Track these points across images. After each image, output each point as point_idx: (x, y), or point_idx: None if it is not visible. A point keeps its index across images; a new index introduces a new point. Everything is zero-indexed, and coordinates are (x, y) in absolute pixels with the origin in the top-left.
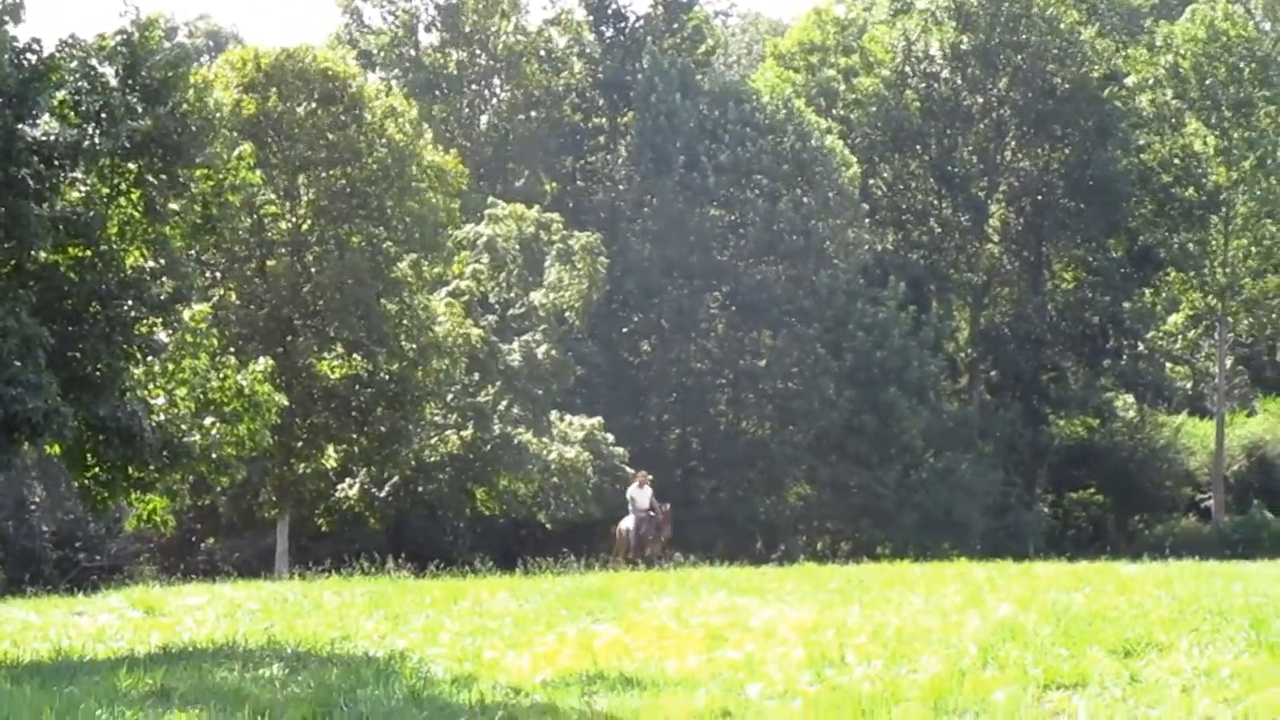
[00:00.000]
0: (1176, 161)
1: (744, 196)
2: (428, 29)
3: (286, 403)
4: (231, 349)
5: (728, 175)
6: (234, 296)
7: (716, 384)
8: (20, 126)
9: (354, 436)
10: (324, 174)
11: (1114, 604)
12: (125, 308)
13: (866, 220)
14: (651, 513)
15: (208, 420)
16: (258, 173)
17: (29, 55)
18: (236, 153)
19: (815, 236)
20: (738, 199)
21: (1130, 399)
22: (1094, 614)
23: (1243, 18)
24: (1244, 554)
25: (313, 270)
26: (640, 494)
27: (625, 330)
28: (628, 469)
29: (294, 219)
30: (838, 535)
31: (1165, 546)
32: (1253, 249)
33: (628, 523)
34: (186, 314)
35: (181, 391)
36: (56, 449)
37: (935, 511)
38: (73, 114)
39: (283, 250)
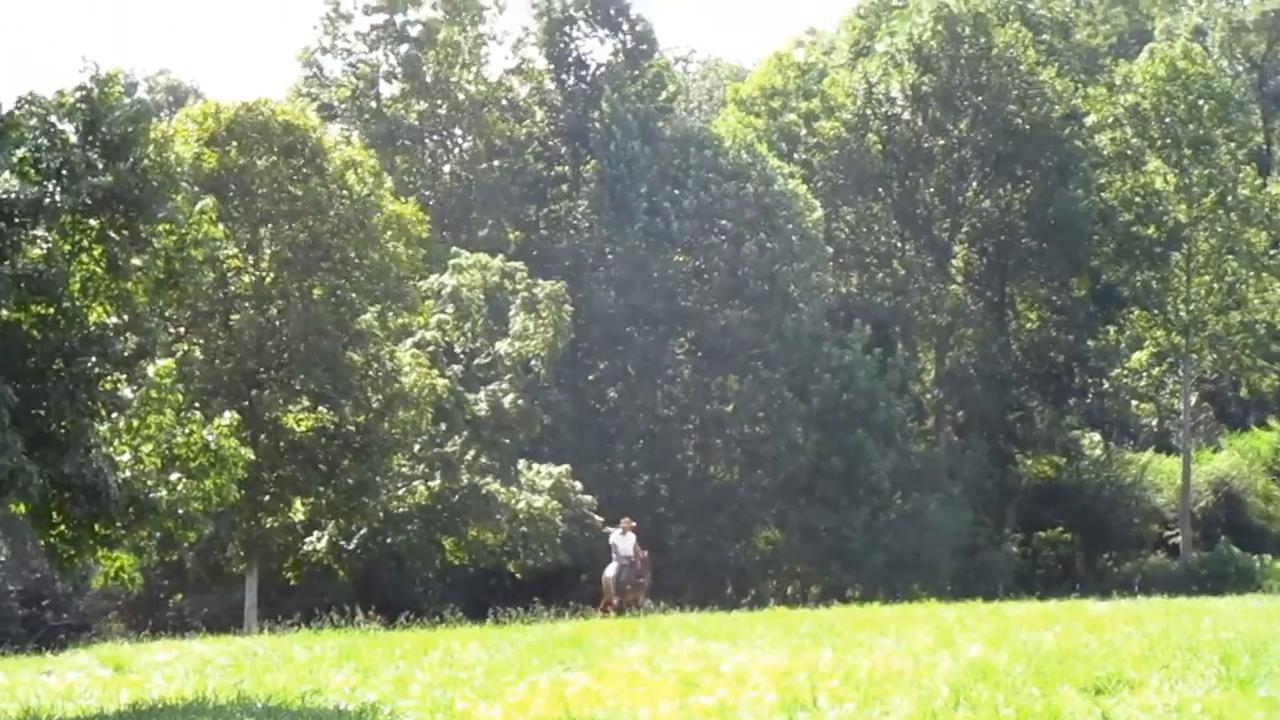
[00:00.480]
0: (1137, 200)
1: (708, 242)
2: (388, 80)
3: (253, 457)
4: (196, 404)
5: (691, 221)
6: (198, 351)
7: (684, 429)
8: None
9: (321, 489)
10: (286, 226)
11: (1084, 642)
12: (89, 364)
13: (830, 263)
14: (632, 559)
15: (174, 476)
16: (220, 227)
17: None
18: (199, 207)
19: (780, 280)
20: (701, 244)
21: (1096, 437)
22: (1065, 652)
23: (1201, 56)
24: (1212, 590)
25: (277, 323)
26: (623, 541)
27: (591, 378)
28: (596, 516)
29: (257, 272)
30: (807, 578)
31: (1134, 584)
32: (1215, 285)
33: (611, 570)
34: (151, 370)
35: (147, 448)
36: (22, 507)
37: (904, 553)
38: (33, 171)
39: (246, 304)
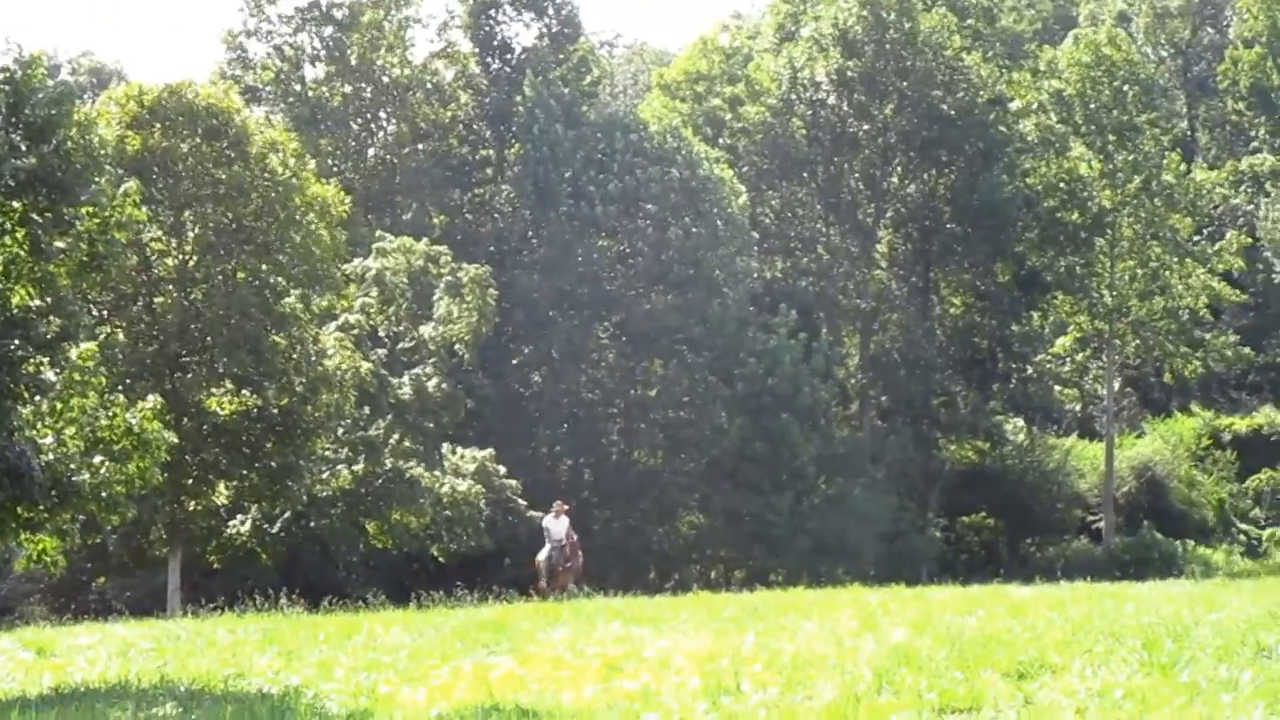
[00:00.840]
0: (1062, 185)
1: (633, 226)
2: (313, 63)
3: (176, 440)
4: (120, 387)
5: (616, 205)
6: (121, 334)
7: (608, 414)
8: None
9: (244, 473)
10: (209, 209)
11: (1007, 627)
12: (12, 347)
13: (755, 248)
14: (563, 543)
15: (97, 459)
16: (144, 209)
17: None
18: (122, 190)
19: (705, 265)
20: (626, 229)
21: (1020, 422)
22: (988, 637)
23: (1125, 41)
24: (1135, 575)
25: (200, 306)
26: (555, 524)
27: (516, 362)
28: (520, 500)
29: (181, 255)
30: (731, 563)
31: (1057, 569)
32: (1139, 271)
33: (542, 553)
34: (74, 352)
35: (70, 431)
36: None
37: (828, 538)
38: None
39: (169, 287)
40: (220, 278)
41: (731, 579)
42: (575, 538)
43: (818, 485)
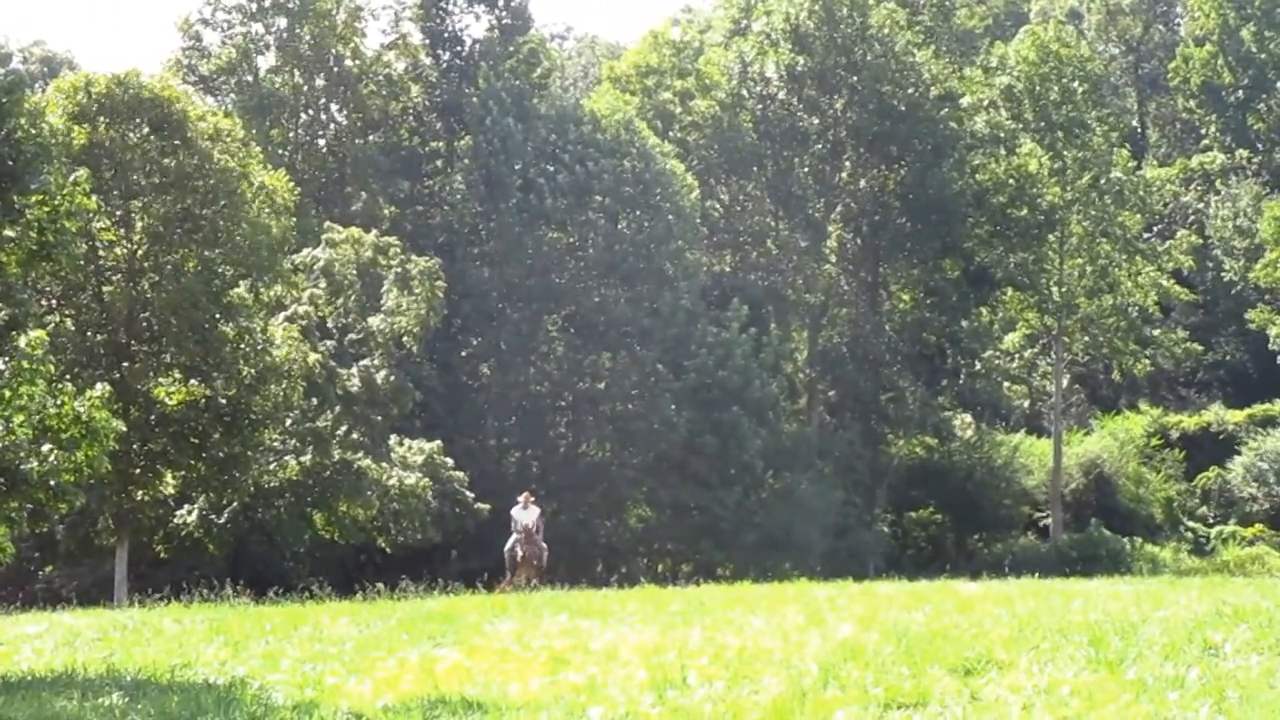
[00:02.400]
0: (1011, 182)
1: (584, 218)
2: (264, 52)
3: (124, 429)
4: (68, 376)
5: (567, 198)
6: (70, 323)
7: (556, 406)
8: None
9: (192, 463)
10: (157, 199)
11: (954, 623)
12: None
13: (704, 242)
14: (529, 533)
15: (45, 447)
16: (93, 198)
17: None
18: (72, 178)
19: (656, 258)
20: (576, 221)
21: (968, 418)
22: (934, 633)
23: (1074, 38)
24: (1082, 571)
25: (148, 295)
26: (522, 514)
27: (464, 354)
28: (467, 492)
29: (129, 244)
30: (678, 557)
31: (1004, 565)
32: (1087, 268)
33: (508, 544)
34: (22, 341)
35: (18, 419)
36: None
37: (775, 532)
38: None
39: (118, 276)
40: (169, 267)
41: (679, 572)
42: (541, 528)
43: (765, 480)
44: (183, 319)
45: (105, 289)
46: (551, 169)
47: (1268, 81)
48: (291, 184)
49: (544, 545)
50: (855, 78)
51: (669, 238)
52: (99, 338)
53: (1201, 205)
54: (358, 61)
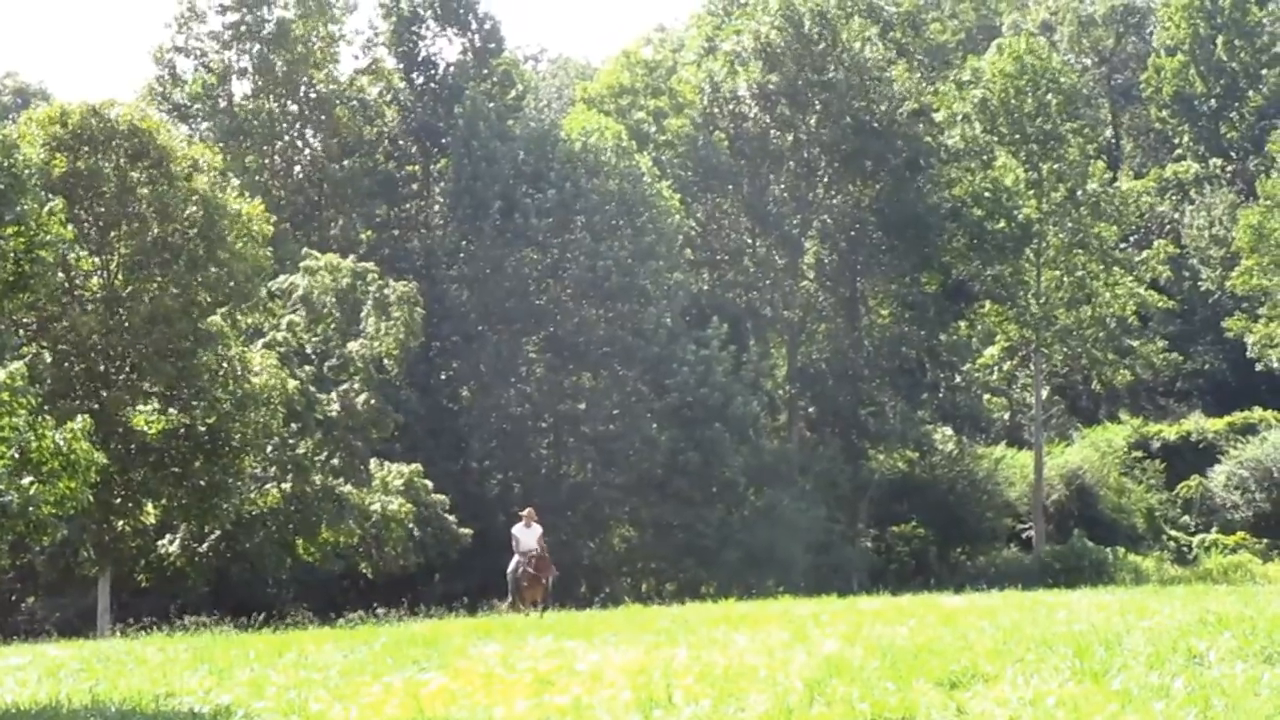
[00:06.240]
0: (987, 195)
1: (567, 239)
2: (240, 78)
3: (105, 461)
4: (46, 406)
5: (549, 218)
6: (47, 354)
7: (537, 428)
8: None
9: (173, 491)
10: (135, 228)
11: (939, 636)
12: None
13: (683, 260)
14: (533, 554)
15: (26, 479)
16: (69, 228)
17: None
18: (48, 208)
19: (638, 278)
20: (558, 242)
21: (949, 431)
22: (919, 647)
23: (1047, 50)
24: (1066, 583)
25: (126, 324)
26: (525, 534)
27: (444, 376)
28: (449, 516)
29: (106, 274)
30: (662, 576)
31: (987, 577)
32: (1065, 280)
33: (510, 566)
34: (2, 373)
35: None
36: None
37: (758, 549)
38: None
39: (96, 305)
40: (146, 298)
41: (662, 591)
42: (544, 547)
43: (747, 497)
44: (160, 347)
45: (83, 318)
46: (531, 190)
47: (1239, 90)
48: (268, 214)
49: (551, 564)
50: (827, 94)
51: (651, 257)
52: (77, 368)
53: (1177, 215)
54: (332, 87)
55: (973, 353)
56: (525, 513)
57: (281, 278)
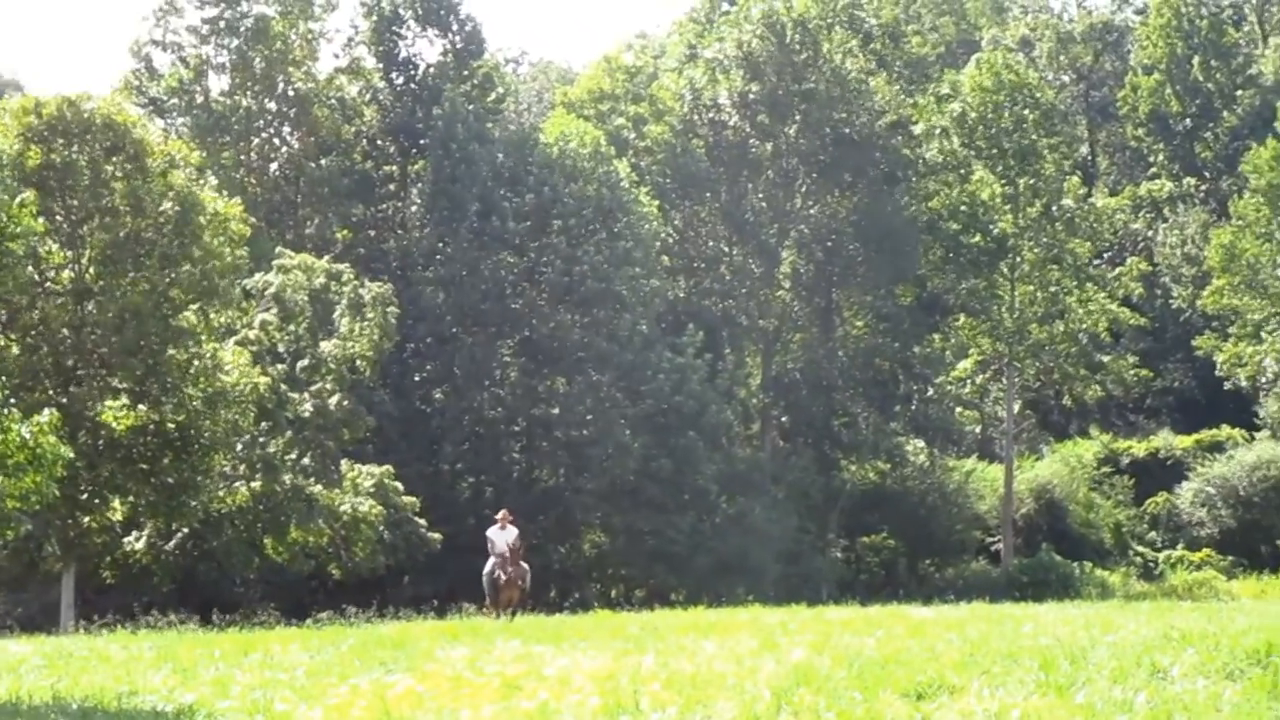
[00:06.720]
0: (964, 208)
1: (544, 242)
2: (218, 73)
3: (72, 456)
4: (13, 399)
5: (526, 222)
6: (15, 348)
7: (510, 431)
8: None
9: (141, 488)
10: (109, 223)
11: (906, 647)
12: None
13: (660, 268)
14: (508, 555)
15: None
16: (41, 220)
17: None
18: (18, 200)
19: (614, 283)
20: (535, 245)
21: (921, 444)
22: (886, 658)
23: (1023, 66)
24: (1033, 596)
25: (96, 319)
26: (499, 535)
27: (418, 378)
28: (419, 520)
29: (78, 268)
30: (632, 582)
31: (955, 589)
32: (1039, 295)
33: (486, 568)
34: None
35: None
36: None
37: (729, 557)
38: None
39: (67, 299)
40: (118, 292)
41: (632, 598)
42: (522, 549)
43: (719, 505)
44: (131, 342)
45: (53, 311)
46: (509, 193)
47: (1214, 110)
48: (245, 214)
49: (526, 567)
50: (808, 104)
51: (628, 263)
52: (46, 361)
53: (1150, 232)
54: (311, 85)
55: (946, 365)
56: (500, 515)
57: (256, 276)
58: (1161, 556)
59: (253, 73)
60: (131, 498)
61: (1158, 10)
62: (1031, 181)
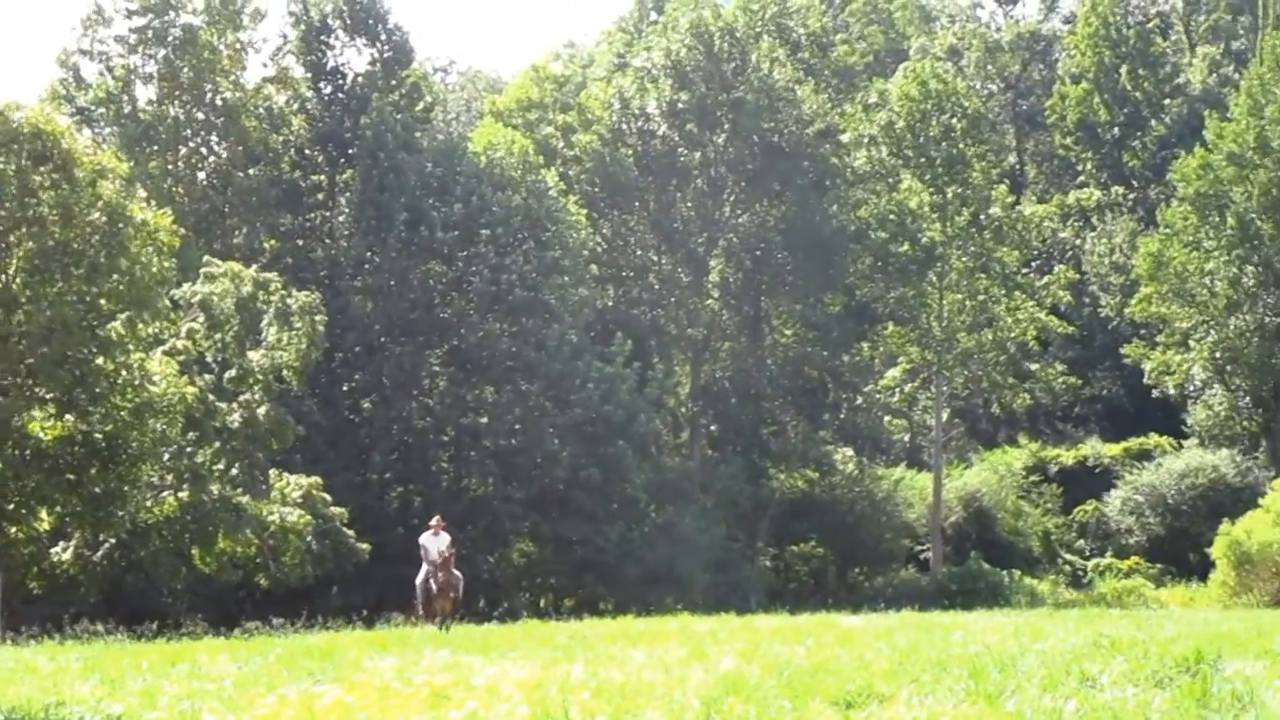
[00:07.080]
0: (892, 218)
1: (472, 252)
2: (145, 83)
3: None
4: None
5: (455, 232)
6: None
7: (439, 441)
8: None
9: (67, 499)
10: (36, 232)
11: (835, 656)
12: None
13: (588, 277)
14: (441, 561)
15: None
16: None
17: None
18: None
19: (542, 292)
20: (463, 255)
21: (850, 452)
22: (816, 666)
23: (952, 75)
24: (962, 604)
25: (23, 329)
26: (433, 542)
27: (346, 388)
28: (348, 530)
29: (5, 278)
30: (561, 591)
31: (885, 598)
32: (967, 303)
33: (419, 576)
34: None
35: None
36: None
37: (658, 566)
38: None
39: None
40: (45, 301)
41: (561, 607)
42: (453, 554)
43: (648, 514)
44: (57, 352)
45: None
46: (437, 203)
47: (1142, 119)
48: (174, 225)
49: (459, 574)
50: (736, 113)
51: (556, 272)
52: None
53: (1078, 241)
54: (239, 94)
55: (874, 374)
56: (434, 521)
57: (184, 286)
58: (1090, 564)
59: (180, 82)
60: (59, 508)
61: (1085, 19)
62: (960, 190)
